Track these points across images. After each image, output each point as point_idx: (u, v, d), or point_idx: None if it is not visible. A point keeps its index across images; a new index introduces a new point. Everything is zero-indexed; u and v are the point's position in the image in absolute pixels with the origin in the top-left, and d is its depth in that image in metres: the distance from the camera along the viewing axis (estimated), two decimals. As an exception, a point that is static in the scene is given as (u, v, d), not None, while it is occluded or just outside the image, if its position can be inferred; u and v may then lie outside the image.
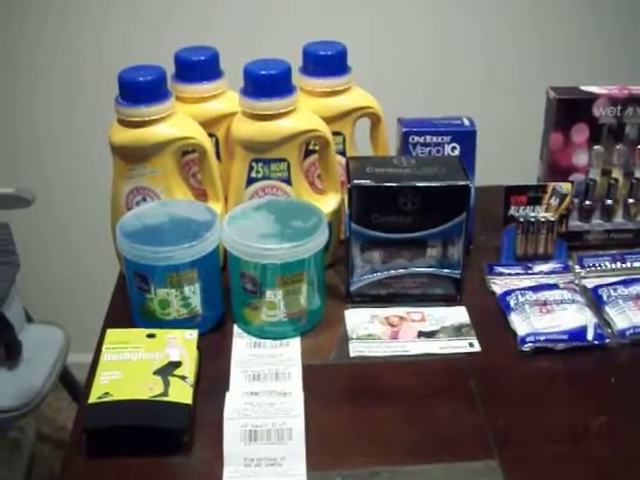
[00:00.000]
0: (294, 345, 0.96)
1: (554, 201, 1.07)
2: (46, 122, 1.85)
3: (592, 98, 1.09)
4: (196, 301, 0.96)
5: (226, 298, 1.00)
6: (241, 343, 0.97)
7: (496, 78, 1.86)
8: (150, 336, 0.92)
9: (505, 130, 1.78)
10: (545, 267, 1.07)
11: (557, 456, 0.82)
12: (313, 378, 0.91)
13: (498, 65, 1.85)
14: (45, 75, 1.80)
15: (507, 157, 1.61)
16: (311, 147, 1.08)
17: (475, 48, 1.84)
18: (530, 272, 1.07)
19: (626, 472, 0.81)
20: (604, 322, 0.99)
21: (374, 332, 0.98)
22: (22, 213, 1.51)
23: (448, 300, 1.03)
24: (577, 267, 1.08)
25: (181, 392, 0.85)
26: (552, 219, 1.08)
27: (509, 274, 1.07)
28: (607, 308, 1.00)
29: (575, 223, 1.14)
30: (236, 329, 0.99)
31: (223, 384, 0.90)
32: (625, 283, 1.03)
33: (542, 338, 0.95)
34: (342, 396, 0.91)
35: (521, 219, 1.08)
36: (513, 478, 0.79)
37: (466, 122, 1.09)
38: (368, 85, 1.11)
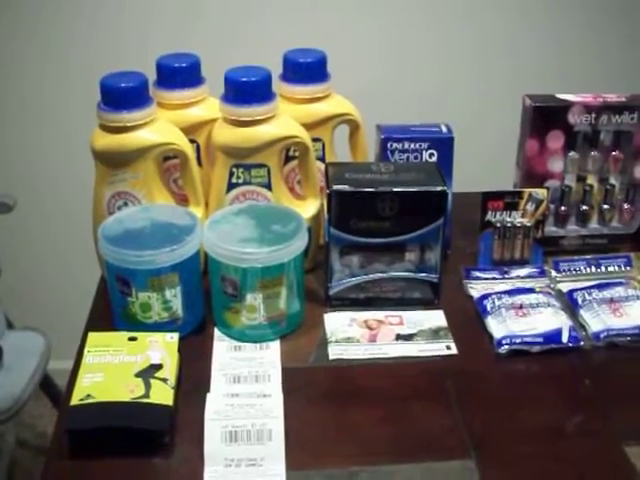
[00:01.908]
0: (274, 348, 0.97)
1: (530, 207, 1.09)
2: (28, 128, 1.85)
3: (567, 106, 1.10)
4: (177, 305, 0.97)
5: (207, 302, 1.01)
6: (221, 346, 0.98)
7: (474, 86, 1.88)
8: (131, 339, 0.93)
9: (482, 137, 1.80)
10: (521, 271, 1.09)
11: (533, 456, 0.83)
12: (293, 380, 0.92)
13: (476, 74, 1.88)
14: (28, 80, 1.80)
15: (484, 163, 1.63)
16: (291, 153, 1.09)
17: (453, 56, 1.86)
18: (507, 276, 1.08)
19: (600, 471, 0.82)
20: (579, 325, 1.00)
21: (353, 335, 1.00)
22: (3, 219, 1.52)
23: (426, 304, 1.05)
24: (553, 271, 1.09)
25: (162, 394, 0.86)
26: (528, 224, 1.09)
27: (486, 278, 1.08)
28: (582, 311, 1.02)
29: (551, 228, 1.15)
30: (217, 332, 1.00)
31: (204, 386, 0.90)
32: (600, 287, 1.05)
33: (518, 341, 0.96)
34: (321, 398, 0.92)
35: (498, 224, 1.09)
36: (489, 477, 0.81)
37: (444, 129, 1.10)
38: (347, 92, 1.13)
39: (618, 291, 1.04)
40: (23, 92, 1.82)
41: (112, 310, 0.99)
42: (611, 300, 1.02)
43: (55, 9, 1.74)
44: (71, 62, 1.78)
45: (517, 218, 1.09)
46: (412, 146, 1.08)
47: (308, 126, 1.06)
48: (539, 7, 1.82)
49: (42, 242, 1.98)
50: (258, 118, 1.01)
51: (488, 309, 1.01)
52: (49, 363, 1.57)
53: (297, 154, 1.07)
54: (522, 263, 1.11)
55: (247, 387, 0.90)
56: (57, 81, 1.80)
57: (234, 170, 1.03)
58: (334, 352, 0.97)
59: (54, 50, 1.77)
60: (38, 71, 1.79)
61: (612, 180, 1.15)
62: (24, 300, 1.88)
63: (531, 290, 1.04)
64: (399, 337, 0.99)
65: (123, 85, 0.99)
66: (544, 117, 1.11)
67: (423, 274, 1.03)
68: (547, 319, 0.99)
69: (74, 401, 0.84)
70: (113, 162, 1.02)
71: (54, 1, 1.73)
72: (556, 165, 1.13)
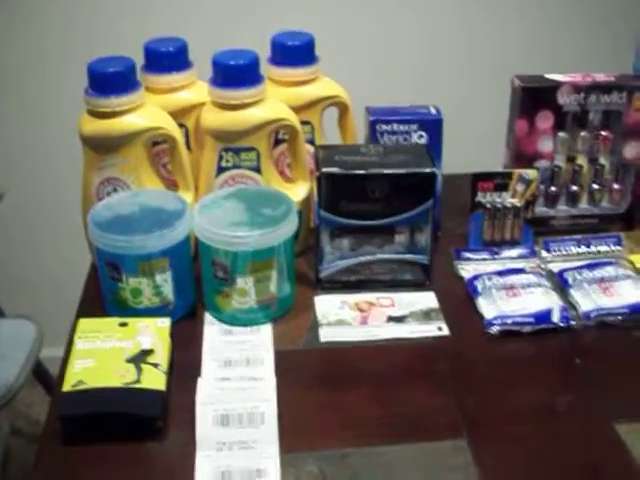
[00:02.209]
0: (265, 331, 0.97)
1: (520, 187, 1.09)
2: (14, 114, 1.84)
3: (556, 86, 1.10)
4: (168, 289, 0.97)
5: (197, 286, 1.01)
6: (212, 330, 0.98)
7: (462, 67, 1.88)
8: (122, 324, 0.93)
9: (472, 118, 1.80)
10: (512, 252, 1.09)
11: (524, 435, 0.84)
12: (284, 363, 0.92)
13: (464, 55, 1.87)
14: (12, 66, 1.79)
15: (474, 145, 1.63)
16: (280, 136, 1.09)
17: (441, 38, 1.86)
18: (497, 257, 1.08)
19: (590, 449, 0.82)
20: (569, 305, 1.00)
21: (344, 318, 1.00)
22: (-8, 207, 1.51)
23: (417, 285, 1.05)
24: (543, 252, 1.09)
25: (154, 379, 0.86)
26: (518, 205, 1.09)
27: (476, 259, 1.08)
28: (572, 291, 1.02)
29: (541, 209, 1.16)
30: (208, 317, 1.00)
31: (195, 371, 0.90)
32: (590, 267, 1.05)
33: (509, 321, 0.96)
34: (313, 380, 0.92)
35: (488, 205, 1.09)
36: (481, 457, 0.81)
37: (432, 111, 1.10)
38: (336, 74, 1.13)
39: (608, 270, 1.04)
40: (15, 80, 1.81)
41: (103, 296, 0.99)
42: (601, 279, 1.03)
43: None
44: (57, 47, 1.77)
45: (507, 199, 1.09)
46: (401, 128, 1.08)
47: (297, 109, 1.06)
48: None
49: (31, 229, 1.97)
50: (246, 101, 1.00)
51: (479, 290, 1.02)
52: (41, 351, 1.57)
53: (286, 137, 1.07)
54: (512, 244, 1.11)
55: (239, 371, 0.90)
56: (43, 66, 1.79)
57: (223, 154, 1.03)
58: (325, 335, 0.97)
59: (39, 34, 1.76)
60: (21, 56, 1.78)
61: (602, 160, 1.15)
62: (15, 288, 1.88)
63: (522, 270, 1.04)
64: (390, 319, 1.00)
65: (110, 70, 0.99)
66: (533, 97, 1.11)
67: (414, 256, 1.03)
68: (538, 299, 0.99)
69: (66, 387, 0.84)
70: (102, 147, 1.01)
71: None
72: (546, 145, 1.13)
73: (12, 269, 1.92)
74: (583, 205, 1.17)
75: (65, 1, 1.73)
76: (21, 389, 1.48)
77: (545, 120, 1.12)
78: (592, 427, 0.85)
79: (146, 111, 1.02)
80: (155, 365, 0.87)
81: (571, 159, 1.15)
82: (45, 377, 1.78)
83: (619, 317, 0.98)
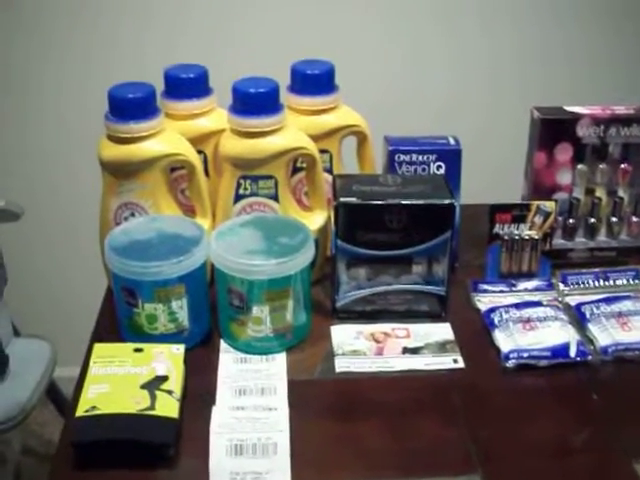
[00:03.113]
0: (280, 360, 0.97)
1: (538, 219, 1.08)
2: (36, 136, 1.85)
3: (576, 118, 1.10)
4: (183, 316, 0.97)
5: (213, 313, 1.01)
6: (227, 358, 0.98)
7: (482, 98, 1.87)
8: (137, 350, 0.92)
9: (490, 149, 1.79)
10: (529, 284, 1.08)
11: (539, 471, 0.83)
12: (299, 393, 0.92)
13: (484, 85, 1.87)
14: (36, 90, 1.81)
15: (492, 176, 1.63)
16: (298, 165, 1.09)
17: (460, 68, 1.85)
18: (514, 289, 1.08)
19: (607, 487, 0.82)
20: (587, 339, 1.00)
21: (359, 348, 0.99)
22: (11, 227, 1.52)
23: (433, 317, 1.04)
24: (560, 285, 1.09)
25: (168, 406, 0.85)
26: (536, 237, 1.09)
27: (493, 291, 1.08)
28: (590, 325, 1.01)
29: (559, 241, 1.15)
30: (223, 344, 1.00)
31: (209, 398, 0.90)
32: (608, 301, 1.04)
33: (525, 355, 0.96)
34: (327, 411, 0.91)
35: (505, 237, 1.09)
36: (495, 493, 0.80)
37: (452, 141, 1.10)
38: (355, 104, 1.13)
39: (626, 305, 1.03)
40: (29, 102, 1.82)
41: (118, 321, 0.99)
42: (619, 314, 1.02)
43: (69, 21, 1.74)
44: (78, 73, 1.78)
45: (525, 231, 1.09)
46: (420, 158, 1.08)
47: (316, 137, 1.06)
48: (549, 19, 1.82)
49: (49, 250, 1.98)
50: (266, 129, 1.00)
51: (495, 322, 1.01)
52: (55, 371, 1.57)
53: (304, 165, 1.07)
54: (530, 276, 1.10)
55: (253, 400, 0.90)
56: (65, 91, 1.80)
57: (241, 181, 1.03)
58: (340, 365, 0.97)
59: (60, 60, 1.77)
60: (44, 81, 1.79)
61: (621, 193, 1.15)
62: (31, 308, 1.88)
63: (539, 303, 1.04)
64: (406, 350, 0.99)
65: (131, 96, 1.00)
66: (552, 129, 1.11)
67: (430, 287, 1.03)
68: (555, 333, 0.98)
69: (79, 412, 0.84)
70: (120, 172, 1.02)
71: (67, 14, 1.73)
72: (564, 177, 1.13)
73: (28, 289, 1.92)
74: (601, 238, 1.17)
75: (86, 27, 1.74)
76: (34, 409, 1.48)
77: (564, 152, 1.12)
78: (609, 464, 0.84)
79: (165, 137, 1.02)
80: (169, 392, 0.87)
81: (590, 191, 1.15)
82: (58, 397, 1.77)
83: (637, 352, 0.97)
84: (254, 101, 1.00)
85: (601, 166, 1.13)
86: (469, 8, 1.79)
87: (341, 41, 1.76)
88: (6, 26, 1.74)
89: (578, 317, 1.03)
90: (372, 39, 1.80)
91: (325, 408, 0.92)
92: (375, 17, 1.78)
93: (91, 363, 0.91)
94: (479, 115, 1.86)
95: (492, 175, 1.64)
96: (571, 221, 1.15)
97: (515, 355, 0.96)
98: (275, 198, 1.04)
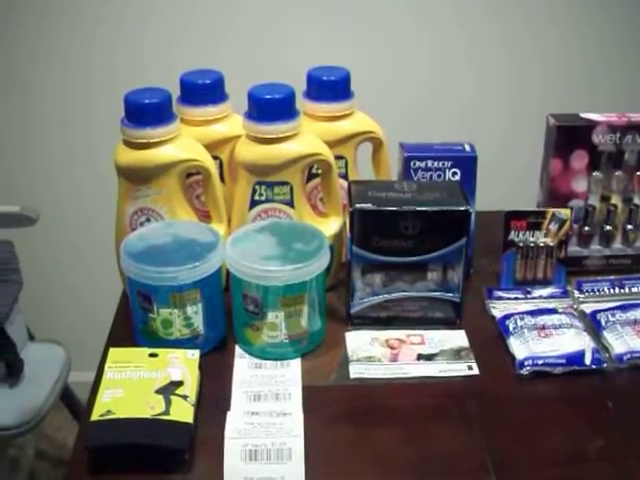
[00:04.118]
0: (295, 366, 0.97)
1: (553, 226, 1.08)
2: (50, 142, 1.86)
3: (591, 125, 1.10)
4: (198, 321, 0.97)
5: (228, 319, 1.01)
6: (242, 363, 0.98)
7: (497, 104, 1.87)
8: (152, 355, 0.93)
9: (506, 156, 1.79)
10: (544, 292, 1.08)
11: (555, 479, 0.83)
12: (313, 399, 0.92)
13: (499, 92, 1.87)
14: (53, 96, 1.82)
15: (508, 183, 1.63)
16: (314, 171, 1.09)
17: (478, 74, 1.85)
18: (529, 296, 1.08)
19: (622, 496, 0.82)
20: (602, 347, 0.99)
21: (374, 354, 0.99)
22: (26, 231, 1.52)
23: (448, 323, 1.04)
24: (576, 292, 1.08)
25: (182, 411, 0.85)
26: (551, 244, 1.09)
27: (508, 298, 1.07)
28: (605, 333, 1.01)
29: (574, 248, 1.15)
30: (237, 349, 1.00)
31: (224, 404, 0.90)
32: (623, 308, 1.04)
33: (540, 362, 0.96)
34: (342, 417, 0.91)
35: (521, 244, 1.09)
36: (510, 500, 0.80)
37: (467, 148, 1.10)
38: (371, 110, 1.13)
39: (642, 313, 1.03)
40: (47, 107, 1.83)
41: (133, 325, 1.00)
42: (635, 322, 1.01)
43: (81, 26, 1.75)
44: (96, 78, 1.79)
45: (540, 238, 1.09)
46: (435, 165, 1.08)
47: (331, 144, 1.06)
48: (567, 26, 1.82)
49: (63, 255, 1.99)
50: (281, 136, 1.01)
51: (510, 329, 1.01)
52: (69, 376, 1.57)
53: (320, 172, 1.07)
54: (545, 283, 1.10)
55: (267, 405, 0.90)
56: (83, 96, 1.81)
57: (257, 187, 1.03)
58: (355, 371, 0.97)
59: (80, 66, 1.79)
60: (63, 86, 1.80)
61: (636, 200, 1.14)
62: (45, 312, 1.89)
63: (554, 311, 1.03)
64: (420, 357, 0.99)
65: (147, 101, 1.00)
66: (568, 136, 1.11)
67: (445, 293, 1.02)
68: (570, 340, 0.98)
69: (94, 417, 0.84)
70: (136, 178, 1.02)
71: (78, 18, 1.74)
72: (580, 185, 1.13)
73: (42, 293, 1.93)
74: (617, 245, 1.16)
75: (108, 32, 1.75)
76: (48, 413, 1.48)
77: (580, 159, 1.11)
78: (625, 473, 0.83)
79: (181, 143, 1.02)
80: (184, 397, 0.87)
81: (605, 199, 1.14)
82: (72, 401, 1.78)
83: (652, 360, 0.97)
84: (270, 107, 1.00)
85: (617, 173, 1.13)
86: (487, 16, 1.79)
87: (357, 47, 1.76)
88: (10, 28, 1.75)
89: (593, 324, 1.03)
90: (388, 45, 1.80)
91: (339, 414, 0.92)
92: (391, 23, 1.79)
93: (106, 368, 0.91)
94: (495, 122, 1.86)
95: (508, 182, 1.64)
96: (586, 228, 1.15)
97: (530, 362, 0.96)
98: (290, 204, 1.04)
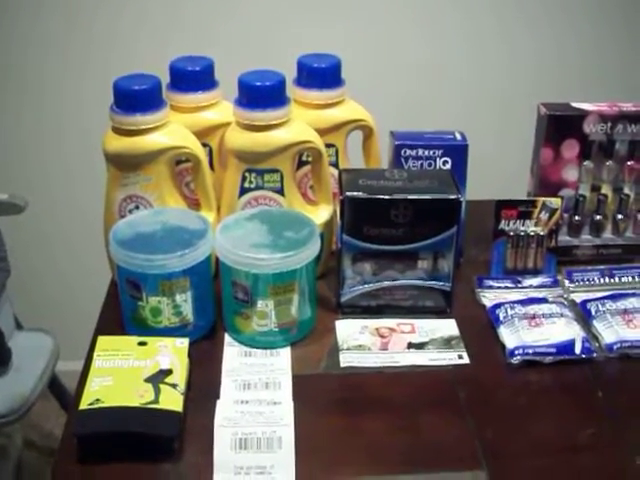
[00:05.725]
0: (284, 355, 0.97)
1: (544, 216, 1.08)
2: (39, 129, 1.85)
3: (582, 115, 1.10)
4: (187, 309, 0.96)
5: (217, 307, 1.01)
6: (232, 352, 0.97)
7: (489, 93, 1.87)
8: (141, 344, 0.92)
9: (497, 145, 1.79)
10: (534, 281, 1.08)
11: (544, 467, 0.83)
12: (303, 388, 0.91)
13: (491, 81, 1.87)
14: (38, 82, 1.80)
15: (498, 171, 1.62)
16: (304, 158, 1.09)
17: (469, 63, 1.85)
18: (519, 286, 1.08)
19: (612, 485, 0.82)
20: (592, 336, 0.99)
21: (364, 343, 0.99)
22: (14, 219, 1.52)
23: (438, 312, 1.04)
24: (566, 281, 1.08)
25: (172, 399, 0.85)
26: (542, 233, 1.09)
27: (499, 287, 1.07)
28: (595, 322, 1.01)
29: (564, 238, 1.15)
30: (227, 338, 0.99)
31: (213, 392, 0.90)
32: (613, 298, 1.04)
33: (530, 351, 0.95)
34: (332, 406, 0.91)
35: (511, 233, 1.08)
36: (500, 489, 0.80)
37: (458, 136, 1.09)
38: (361, 98, 1.12)
39: (632, 302, 1.03)
40: (37, 94, 1.82)
41: (122, 314, 0.99)
42: (625, 311, 1.01)
43: (71, 13, 1.74)
44: (87, 65, 1.78)
45: (530, 227, 1.08)
46: (426, 153, 1.08)
47: (321, 131, 1.05)
48: (561, 18, 1.82)
49: (52, 242, 1.98)
50: (271, 123, 1.00)
51: (500, 318, 1.01)
52: (57, 364, 1.57)
53: (310, 159, 1.07)
54: (535, 272, 1.10)
55: (257, 394, 0.90)
56: (73, 83, 1.80)
57: (246, 175, 1.02)
58: (345, 360, 0.97)
59: (70, 53, 1.77)
60: (53, 73, 1.79)
61: (627, 190, 1.14)
62: (33, 301, 1.88)
63: (544, 300, 1.03)
64: (411, 345, 0.99)
65: (136, 88, 0.99)
66: (559, 126, 1.10)
67: (435, 282, 1.02)
68: (560, 330, 0.98)
69: (83, 405, 0.84)
70: (125, 165, 1.01)
71: (70, 6, 1.73)
72: (570, 174, 1.13)
73: (30, 282, 1.92)
74: (607, 235, 1.16)
75: (99, 19, 1.74)
76: (36, 402, 1.48)
77: (570, 149, 1.11)
78: (614, 461, 0.84)
79: (170, 130, 1.02)
80: (173, 385, 0.87)
81: (596, 188, 1.14)
82: (60, 390, 1.77)
83: (642, 350, 0.97)
84: (260, 94, 1.00)
85: (607, 163, 1.13)
86: (480, 5, 1.79)
87: (348, 35, 1.76)
88: (2, 13, 1.74)
89: (583, 314, 1.03)
90: (379, 33, 1.80)
91: (329, 403, 0.91)
92: (381, 12, 1.78)
93: (95, 356, 0.91)
94: (486, 110, 1.85)
95: (498, 171, 1.63)
96: (577, 218, 1.15)
97: (520, 351, 0.95)
98: (280, 192, 1.03)
